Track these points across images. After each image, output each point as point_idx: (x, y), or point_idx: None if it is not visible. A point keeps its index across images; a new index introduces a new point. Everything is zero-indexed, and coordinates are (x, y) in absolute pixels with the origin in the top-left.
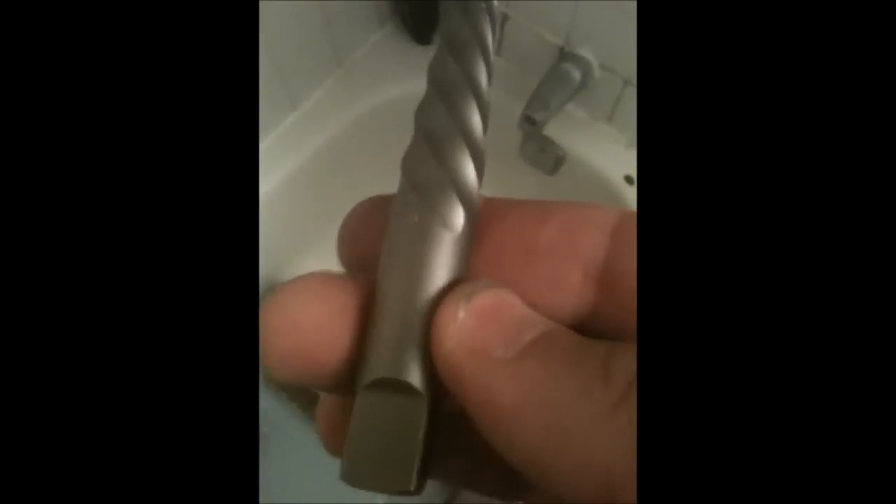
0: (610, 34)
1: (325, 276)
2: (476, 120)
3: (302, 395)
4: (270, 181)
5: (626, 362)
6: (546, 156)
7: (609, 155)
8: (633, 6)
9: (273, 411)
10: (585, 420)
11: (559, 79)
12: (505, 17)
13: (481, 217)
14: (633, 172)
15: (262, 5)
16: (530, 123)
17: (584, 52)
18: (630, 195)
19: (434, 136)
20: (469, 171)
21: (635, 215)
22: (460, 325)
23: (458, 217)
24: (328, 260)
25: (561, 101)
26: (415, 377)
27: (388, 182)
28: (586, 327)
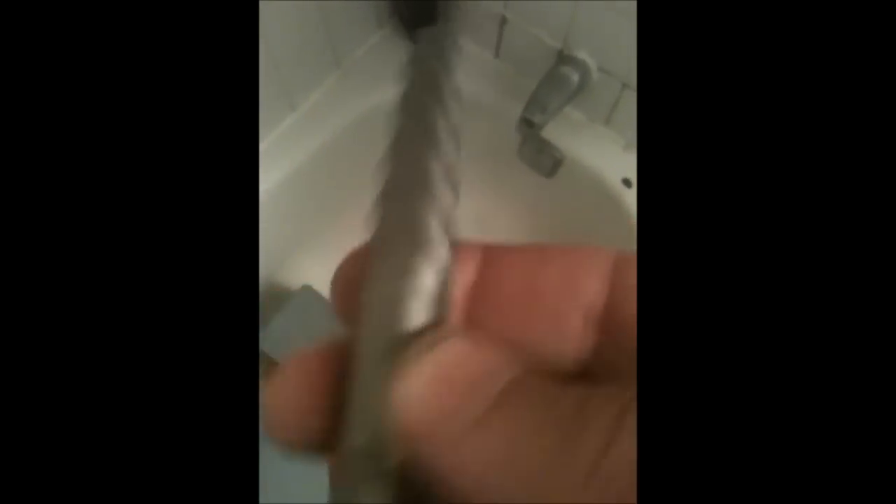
0: (608, 37)
1: (306, 356)
2: (439, 170)
3: None
4: (269, 181)
5: (605, 407)
6: (544, 158)
7: (607, 157)
8: (632, 9)
9: None
10: (562, 480)
11: (557, 81)
12: (503, 20)
13: (478, 263)
14: (631, 175)
15: (261, 6)
16: (528, 126)
17: (582, 54)
18: (627, 197)
19: (401, 184)
20: (437, 219)
21: (633, 257)
22: (421, 393)
23: (429, 280)
24: (326, 260)
25: (559, 104)
26: (389, 442)
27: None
28: (586, 371)
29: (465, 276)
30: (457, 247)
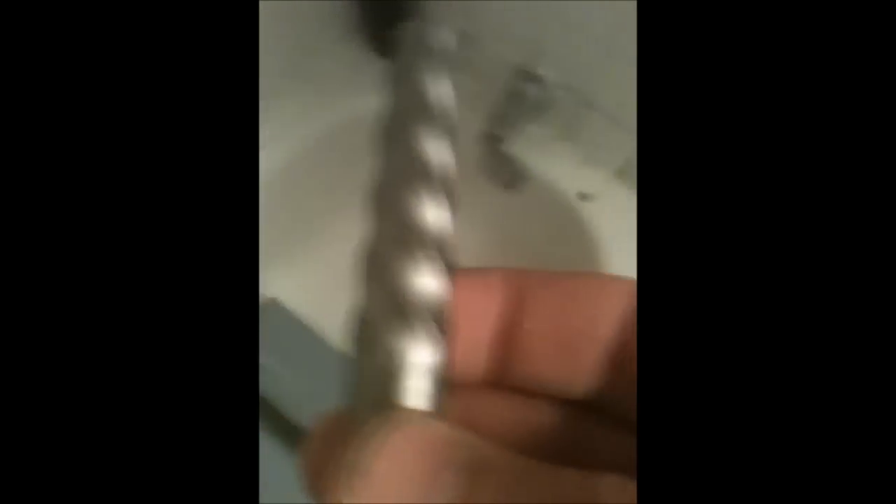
0: (567, 55)
1: (328, 420)
2: (444, 216)
3: (293, 435)
4: None
5: (582, 487)
6: (505, 172)
7: (565, 171)
8: (592, 27)
9: (267, 454)
10: None
11: (517, 97)
12: (466, 37)
13: (503, 294)
14: (587, 189)
15: None
16: (489, 140)
17: (542, 71)
18: (585, 211)
19: (387, 244)
20: (436, 285)
21: None
22: (388, 472)
23: (424, 355)
24: (294, 275)
25: (519, 119)
26: None
27: (356, 197)
28: (598, 401)
29: (490, 312)
30: (479, 276)
